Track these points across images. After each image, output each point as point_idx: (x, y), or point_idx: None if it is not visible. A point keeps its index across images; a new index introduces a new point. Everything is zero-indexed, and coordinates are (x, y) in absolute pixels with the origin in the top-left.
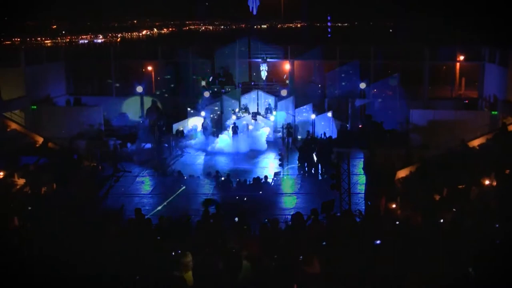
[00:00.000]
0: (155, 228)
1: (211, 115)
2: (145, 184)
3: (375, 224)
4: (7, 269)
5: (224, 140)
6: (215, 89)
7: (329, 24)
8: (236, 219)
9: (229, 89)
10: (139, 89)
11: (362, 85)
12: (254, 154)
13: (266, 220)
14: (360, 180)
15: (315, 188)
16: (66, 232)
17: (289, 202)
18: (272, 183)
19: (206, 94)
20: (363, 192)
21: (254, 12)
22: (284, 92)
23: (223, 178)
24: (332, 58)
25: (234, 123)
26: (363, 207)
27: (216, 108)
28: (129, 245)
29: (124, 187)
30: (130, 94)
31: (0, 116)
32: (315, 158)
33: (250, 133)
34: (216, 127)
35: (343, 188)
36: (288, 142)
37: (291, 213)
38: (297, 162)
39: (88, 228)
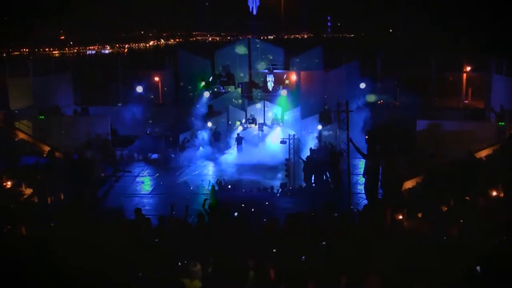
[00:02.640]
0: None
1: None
2: (145, 184)
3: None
4: (14, 277)
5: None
6: (215, 89)
7: (329, 24)
8: (236, 214)
9: (229, 89)
10: (139, 89)
11: (362, 85)
12: (260, 165)
13: (265, 220)
14: (360, 180)
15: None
16: (68, 236)
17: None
18: (278, 194)
19: (206, 94)
20: (363, 192)
21: (254, 12)
22: (284, 92)
23: (230, 186)
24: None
25: (238, 134)
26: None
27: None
28: (131, 246)
29: (124, 187)
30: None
31: (8, 126)
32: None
33: (258, 145)
34: (223, 137)
35: (343, 188)
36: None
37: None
38: (303, 172)
39: (90, 230)
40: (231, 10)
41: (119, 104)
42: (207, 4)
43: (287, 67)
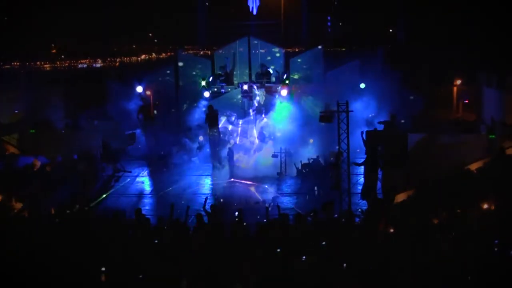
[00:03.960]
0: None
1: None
2: (145, 184)
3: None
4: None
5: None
6: (215, 89)
7: (329, 24)
8: (236, 213)
9: (229, 90)
10: (139, 89)
11: (362, 85)
12: (252, 178)
13: (265, 220)
14: (360, 180)
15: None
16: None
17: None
18: (270, 208)
19: (206, 94)
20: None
21: (254, 12)
22: (284, 92)
23: (222, 200)
24: None
25: (229, 148)
26: (364, 207)
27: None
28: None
29: (124, 187)
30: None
31: None
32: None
33: (249, 158)
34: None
35: (343, 188)
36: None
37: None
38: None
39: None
40: (230, 10)
41: (110, 119)
42: (207, 4)
43: (286, 68)
